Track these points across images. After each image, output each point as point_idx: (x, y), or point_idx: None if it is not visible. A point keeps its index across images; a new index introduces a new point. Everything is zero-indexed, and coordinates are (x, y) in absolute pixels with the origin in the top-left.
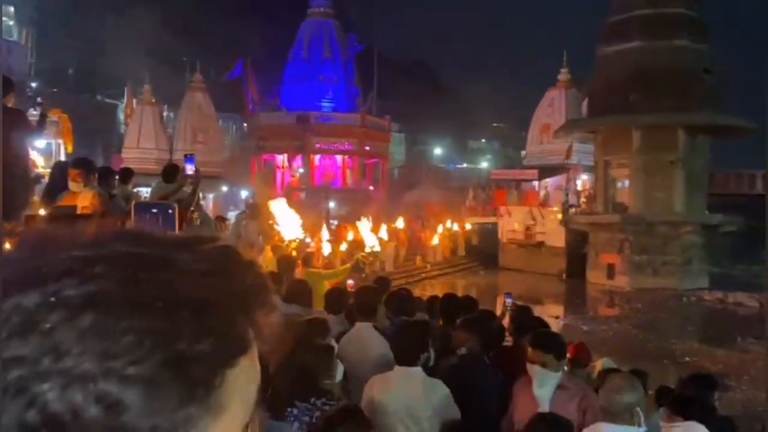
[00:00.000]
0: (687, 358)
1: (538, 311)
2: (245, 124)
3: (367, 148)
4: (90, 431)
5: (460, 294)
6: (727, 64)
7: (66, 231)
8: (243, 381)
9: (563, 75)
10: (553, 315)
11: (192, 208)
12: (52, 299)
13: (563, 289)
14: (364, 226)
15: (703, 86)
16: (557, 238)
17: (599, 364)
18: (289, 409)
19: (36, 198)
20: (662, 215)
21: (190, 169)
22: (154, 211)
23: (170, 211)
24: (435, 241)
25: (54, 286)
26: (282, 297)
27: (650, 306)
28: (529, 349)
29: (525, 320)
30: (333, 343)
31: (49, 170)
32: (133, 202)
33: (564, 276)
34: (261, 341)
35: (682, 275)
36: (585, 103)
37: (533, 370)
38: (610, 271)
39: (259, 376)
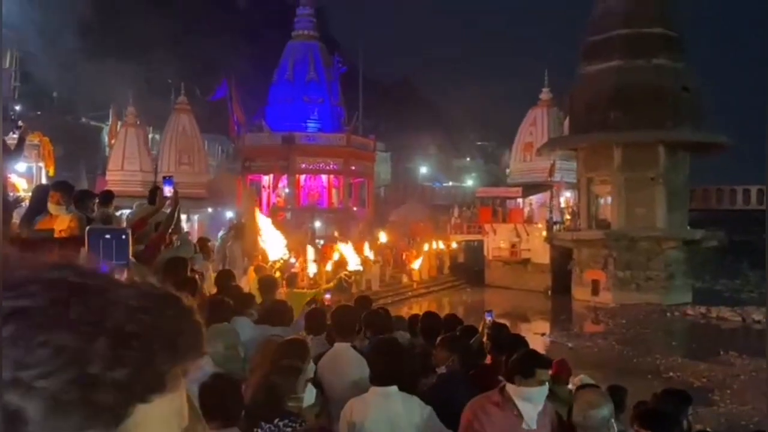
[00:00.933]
0: (671, 373)
1: (524, 328)
2: (230, 146)
3: (353, 167)
4: None
5: (446, 312)
6: (705, 82)
7: (25, 254)
8: (156, 419)
9: (545, 94)
10: (539, 332)
11: (171, 230)
12: None
13: (549, 305)
14: (347, 245)
15: (681, 104)
16: (542, 255)
17: (577, 380)
18: (255, 430)
19: (15, 221)
20: (645, 231)
21: (168, 190)
22: (107, 236)
23: (123, 236)
24: (418, 262)
25: None
26: (260, 318)
27: (634, 321)
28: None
29: (502, 337)
30: (311, 364)
31: (30, 194)
32: (86, 228)
33: (549, 293)
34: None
35: (665, 290)
36: (567, 122)
37: (532, 391)
38: (595, 287)
39: (184, 418)
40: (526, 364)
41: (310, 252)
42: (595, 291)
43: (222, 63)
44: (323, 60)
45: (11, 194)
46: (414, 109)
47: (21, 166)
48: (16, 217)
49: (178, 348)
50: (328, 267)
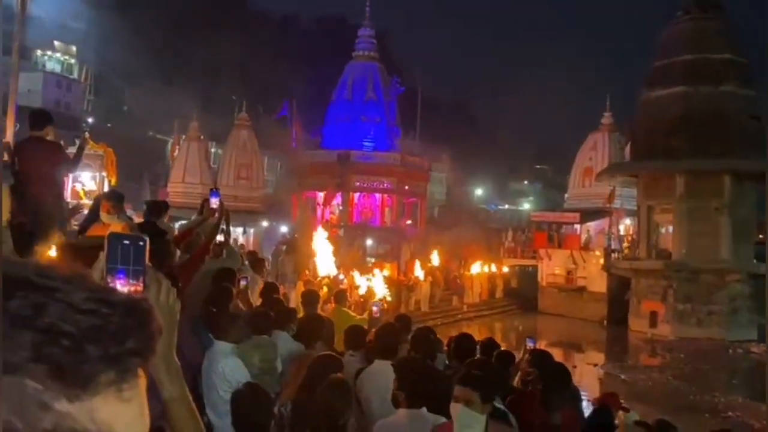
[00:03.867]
0: (730, 413)
1: (577, 358)
2: (288, 162)
3: (407, 187)
4: None
5: (497, 337)
6: None
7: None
8: (75, 417)
9: (606, 118)
10: (592, 362)
11: (219, 241)
12: None
13: (604, 336)
14: (363, 276)
15: (749, 132)
16: (599, 284)
17: (621, 414)
18: None
19: (74, 227)
20: (707, 263)
21: (214, 202)
22: (126, 242)
23: (141, 243)
24: (473, 282)
25: None
26: (297, 332)
27: (693, 357)
28: (456, 387)
29: (544, 366)
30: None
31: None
32: (108, 233)
33: (605, 322)
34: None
35: (728, 326)
36: (628, 147)
37: (455, 410)
38: (653, 319)
39: (137, 426)
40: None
41: (357, 273)
42: (653, 323)
43: (284, 83)
44: (382, 80)
45: (71, 202)
46: (471, 130)
47: (85, 175)
48: (75, 224)
49: (113, 353)
50: (362, 291)
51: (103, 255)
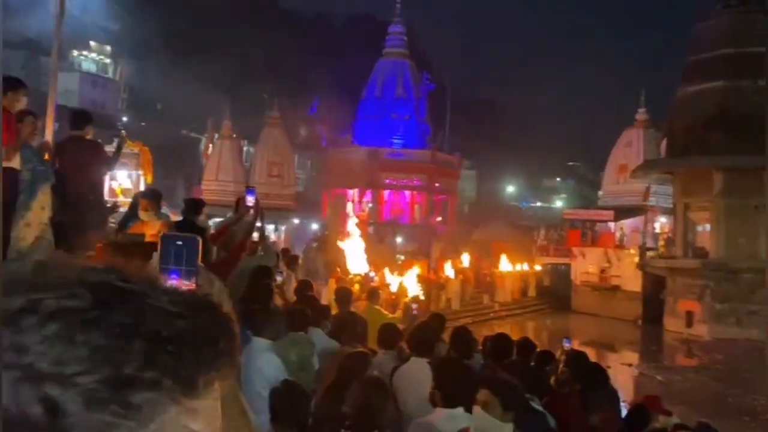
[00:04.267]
0: None
1: (611, 358)
2: (318, 160)
3: (437, 184)
4: (29, 428)
5: (530, 336)
6: None
7: (70, 258)
8: (181, 420)
9: (641, 114)
10: (626, 362)
11: (256, 239)
12: (31, 305)
13: (638, 335)
14: (396, 276)
15: None
16: (633, 282)
17: (663, 419)
18: None
19: (112, 225)
20: (746, 261)
21: (250, 200)
22: (179, 243)
23: (194, 244)
24: (504, 280)
25: (36, 296)
26: (332, 329)
27: (732, 358)
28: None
29: (580, 366)
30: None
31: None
32: (161, 234)
33: (640, 322)
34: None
35: None
36: (663, 144)
37: (475, 412)
38: (689, 318)
39: (214, 422)
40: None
41: (387, 272)
42: (690, 323)
43: (315, 80)
44: (412, 77)
45: (110, 200)
46: (502, 127)
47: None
48: (113, 222)
49: (209, 355)
50: (393, 288)
51: (156, 255)
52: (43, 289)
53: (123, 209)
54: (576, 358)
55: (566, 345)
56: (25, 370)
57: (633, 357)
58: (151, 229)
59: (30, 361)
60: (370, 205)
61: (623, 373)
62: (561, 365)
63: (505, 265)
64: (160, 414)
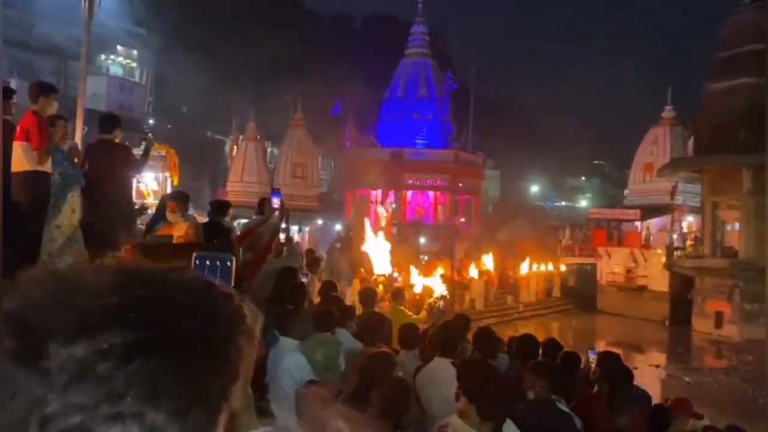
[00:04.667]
0: None
1: (638, 359)
2: (342, 160)
3: (460, 184)
4: None
5: (555, 337)
6: None
7: (86, 274)
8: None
9: (667, 112)
10: (653, 364)
11: (283, 241)
12: (103, 347)
13: (666, 336)
14: (436, 277)
15: None
16: (660, 282)
17: (692, 423)
18: None
19: (141, 226)
20: None
21: (276, 202)
22: (212, 262)
23: (228, 263)
24: (529, 280)
25: (102, 337)
26: (357, 330)
27: (762, 359)
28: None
29: (613, 368)
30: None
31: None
32: (194, 255)
33: (667, 323)
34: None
35: None
36: (691, 141)
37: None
38: (718, 319)
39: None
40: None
41: (414, 271)
42: (719, 323)
43: (338, 81)
44: (435, 77)
45: (138, 202)
46: (526, 126)
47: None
48: (141, 224)
49: (235, 334)
50: (417, 289)
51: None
52: (99, 327)
53: (150, 211)
54: (608, 358)
55: (591, 355)
56: (125, 415)
57: (660, 358)
58: (178, 230)
59: (126, 408)
60: (394, 205)
61: (650, 374)
62: (593, 366)
63: (529, 265)
64: (225, 408)
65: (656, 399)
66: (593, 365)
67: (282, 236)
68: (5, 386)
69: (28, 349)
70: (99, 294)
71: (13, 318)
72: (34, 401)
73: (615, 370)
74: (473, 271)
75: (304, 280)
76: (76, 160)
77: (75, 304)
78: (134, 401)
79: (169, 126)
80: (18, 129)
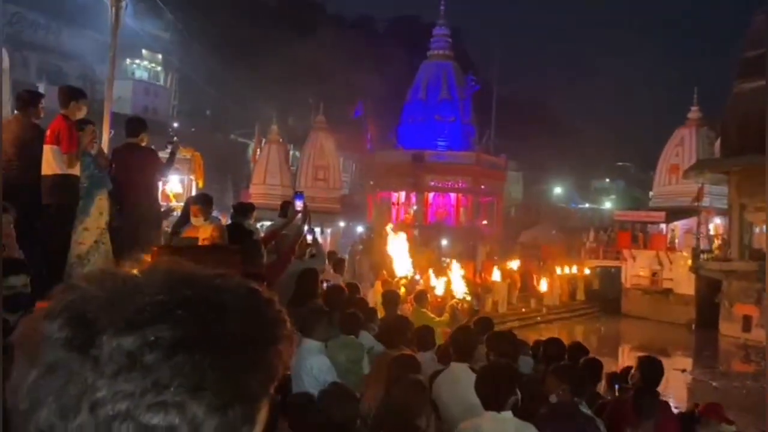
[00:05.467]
0: None
1: (664, 363)
2: (364, 163)
3: (482, 186)
4: None
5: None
6: None
7: (141, 275)
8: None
9: (693, 113)
10: (679, 368)
11: (309, 242)
12: (150, 339)
13: (692, 340)
14: (456, 273)
15: None
16: (686, 286)
17: (723, 428)
18: None
19: (167, 229)
20: None
21: (298, 205)
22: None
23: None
24: (544, 283)
25: (150, 330)
26: (380, 332)
27: None
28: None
29: (654, 373)
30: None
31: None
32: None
33: (693, 326)
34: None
35: None
36: (718, 143)
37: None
38: (746, 323)
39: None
40: None
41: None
42: (747, 327)
43: (360, 84)
44: (456, 79)
45: (163, 204)
46: (549, 128)
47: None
48: (167, 227)
49: (276, 336)
50: (439, 291)
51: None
52: (147, 322)
53: (176, 213)
54: (650, 363)
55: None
56: (168, 404)
57: (686, 362)
58: (203, 233)
59: (169, 397)
60: (415, 207)
61: (677, 378)
62: (633, 369)
63: (552, 269)
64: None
65: (683, 404)
66: (633, 369)
67: (309, 237)
68: (61, 372)
69: (81, 339)
70: (150, 292)
71: (72, 311)
72: (86, 387)
73: (657, 374)
74: (496, 274)
75: (326, 284)
76: (105, 164)
77: (127, 301)
78: (177, 392)
79: (193, 129)
80: (48, 132)
